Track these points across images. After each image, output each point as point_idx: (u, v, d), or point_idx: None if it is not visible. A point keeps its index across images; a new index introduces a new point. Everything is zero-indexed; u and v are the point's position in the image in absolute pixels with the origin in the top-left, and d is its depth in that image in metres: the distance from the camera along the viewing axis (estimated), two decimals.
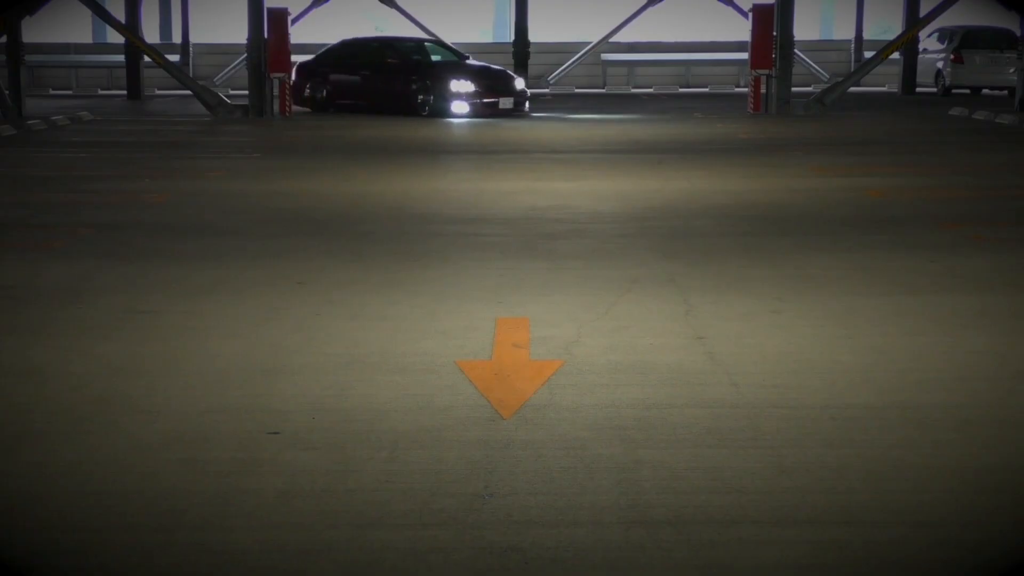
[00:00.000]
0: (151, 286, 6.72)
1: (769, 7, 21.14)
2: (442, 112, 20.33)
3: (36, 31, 27.34)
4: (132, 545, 3.34)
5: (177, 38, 31.72)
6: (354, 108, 21.47)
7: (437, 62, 21.59)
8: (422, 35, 27.87)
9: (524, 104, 21.21)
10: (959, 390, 4.74)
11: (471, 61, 22.14)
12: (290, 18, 21.51)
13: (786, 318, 5.91)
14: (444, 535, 3.40)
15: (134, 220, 9.23)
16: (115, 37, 28.98)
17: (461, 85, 20.52)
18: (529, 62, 25.04)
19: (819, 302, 6.25)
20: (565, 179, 11.97)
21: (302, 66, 22.36)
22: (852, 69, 27.25)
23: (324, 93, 21.89)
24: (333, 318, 5.94)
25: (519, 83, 21.45)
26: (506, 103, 20.68)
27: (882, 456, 3.99)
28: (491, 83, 20.78)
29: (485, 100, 20.48)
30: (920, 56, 27.15)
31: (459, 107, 20.37)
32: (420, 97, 20.57)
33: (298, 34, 25.81)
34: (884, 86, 29.42)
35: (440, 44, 23.69)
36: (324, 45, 32.64)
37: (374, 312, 6.08)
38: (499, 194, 10.90)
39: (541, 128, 18.53)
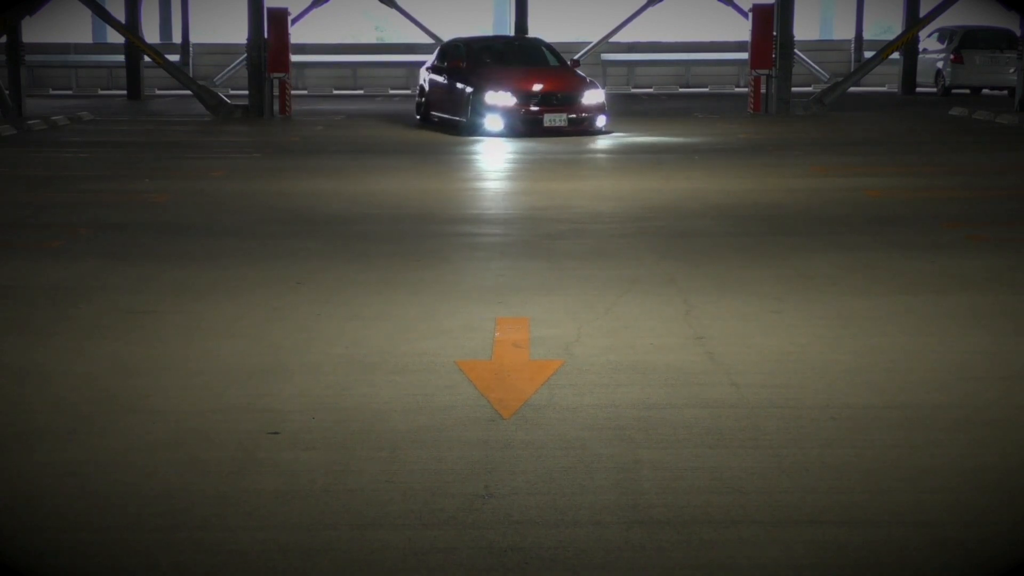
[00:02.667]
0: (151, 286, 6.72)
1: (769, 7, 21.14)
2: (475, 129, 16.69)
3: (36, 31, 27.38)
4: (132, 545, 3.34)
5: (177, 38, 31.75)
6: (442, 122, 18.24)
7: (485, 66, 17.71)
8: (425, 36, 27.93)
9: (591, 121, 16.75)
10: (958, 390, 4.74)
11: (579, 71, 18.18)
12: (290, 18, 21.47)
13: (786, 318, 5.91)
14: (444, 535, 3.40)
15: (134, 220, 9.23)
16: (115, 37, 29.00)
17: (498, 97, 16.54)
18: None
19: (819, 302, 6.25)
20: (565, 179, 11.97)
21: (427, 70, 19.47)
22: (852, 69, 27.26)
23: (424, 101, 19.16)
24: (333, 318, 5.94)
25: (590, 96, 16.91)
26: (555, 120, 16.47)
27: (882, 456, 4.00)
28: (542, 94, 16.67)
29: (526, 116, 16.50)
30: (920, 56, 27.16)
31: (493, 123, 16.51)
32: (469, 109, 16.99)
33: (298, 34, 25.81)
34: (884, 86, 29.44)
35: (544, 46, 19.01)
36: (324, 45, 32.88)
37: (374, 312, 6.08)
38: (499, 194, 10.90)
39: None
